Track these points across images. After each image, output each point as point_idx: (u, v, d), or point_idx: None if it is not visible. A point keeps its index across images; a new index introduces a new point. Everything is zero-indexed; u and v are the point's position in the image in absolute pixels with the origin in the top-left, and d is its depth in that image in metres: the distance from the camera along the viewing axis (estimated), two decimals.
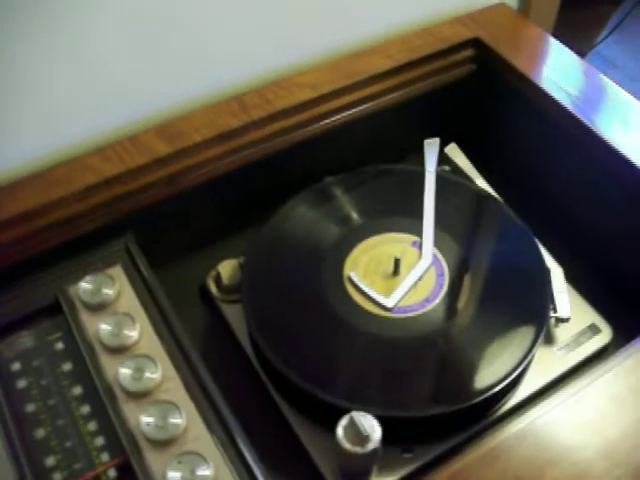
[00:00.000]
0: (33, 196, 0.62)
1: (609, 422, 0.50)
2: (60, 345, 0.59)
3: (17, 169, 0.66)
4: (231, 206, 0.73)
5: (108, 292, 0.60)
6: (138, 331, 0.58)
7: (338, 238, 0.68)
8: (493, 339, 0.60)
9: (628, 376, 0.52)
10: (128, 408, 0.54)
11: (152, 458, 0.51)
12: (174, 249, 0.70)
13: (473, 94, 0.80)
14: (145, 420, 0.53)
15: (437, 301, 0.62)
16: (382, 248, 0.67)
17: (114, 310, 0.59)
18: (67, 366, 0.58)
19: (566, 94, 0.70)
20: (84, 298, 0.60)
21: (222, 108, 0.68)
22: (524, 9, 0.87)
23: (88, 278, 0.61)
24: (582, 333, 0.66)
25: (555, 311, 0.64)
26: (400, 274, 0.64)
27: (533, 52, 0.76)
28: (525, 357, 0.58)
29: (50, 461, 0.53)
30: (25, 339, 0.60)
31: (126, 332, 0.57)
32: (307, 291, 0.64)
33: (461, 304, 0.62)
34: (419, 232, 0.68)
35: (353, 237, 0.68)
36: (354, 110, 0.72)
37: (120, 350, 0.57)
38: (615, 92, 0.71)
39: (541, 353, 0.63)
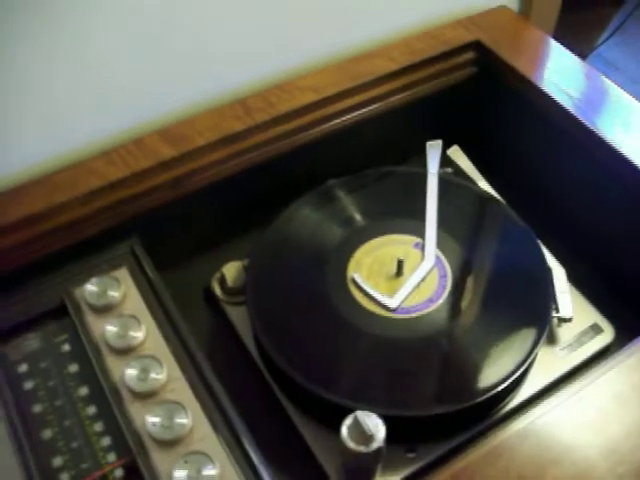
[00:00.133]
0: (38, 200, 0.62)
1: (612, 420, 0.50)
2: (66, 347, 0.60)
3: (20, 173, 0.66)
4: (235, 209, 0.73)
5: (114, 294, 0.60)
6: (144, 332, 0.58)
7: (341, 240, 0.68)
8: (496, 339, 0.60)
9: (631, 374, 0.52)
10: (134, 408, 0.54)
11: (158, 458, 0.52)
12: (179, 252, 0.71)
13: (475, 96, 0.80)
14: (151, 420, 0.53)
15: (440, 302, 0.63)
16: (385, 250, 0.67)
17: (120, 312, 0.60)
18: (73, 367, 0.58)
19: (568, 96, 0.71)
20: (90, 300, 0.60)
21: (226, 112, 0.69)
22: (525, 11, 0.87)
23: (94, 280, 0.61)
24: (584, 333, 0.66)
25: (557, 311, 0.65)
26: (403, 275, 0.65)
27: (534, 54, 0.77)
28: (528, 357, 0.59)
29: (57, 461, 0.53)
30: (32, 341, 0.60)
31: (132, 333, 0.58)
32: (311, 292, 0.64)
33: (464, 305, 0.63)
34: (422, 234, 0.68)
35: (356, 239, 0.68)
36: (356, 113, 0.73)
37: (126, 351, 0.57)
38: (617, 94, 0.72)
39: (544, 353, 0.64)
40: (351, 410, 0.51)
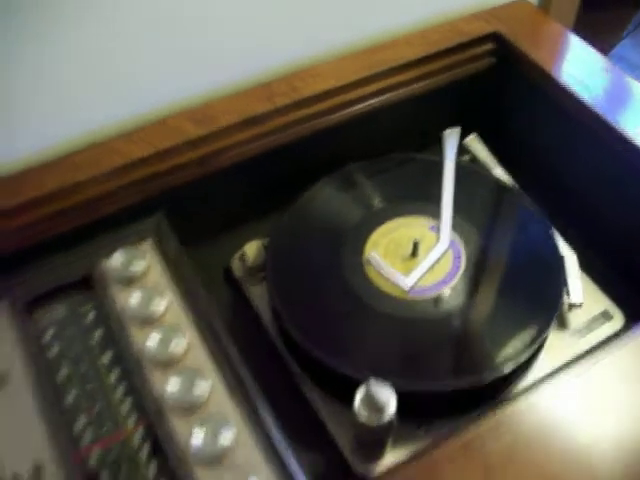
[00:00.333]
0: (65, 175, 0.64)
1: (617, 399, 0.51)
2: (91, 316, 0.62)
3: (45, 151, 0.69)
4: (257, 190, 0.75)
5: (138, 266, 0.62)
6: (166, 303, 0.60)
7: (359, 221, 0.70)
8: (506, 320, 0.62)
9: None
10: (154, 375, 0.56)
11: (176, 422, 0.53)
12: (201, 230, 0.72)
13: (493, 88, 0.82)
14: (170, 386, 0.55)
15: (454, 283, 0.64)
16: (401, 231, 0.69)
17: (143, 283, 0.62)
18: (97, 335, 0.60)
19: (586, 89, 0.72)
20: (115, 272, 0.62)
21: (250, 95, 0.71)
22: (544, 6, 0.88)
23: (119, 253, 0.63)
24: (595, 319, 0.67)
25: (568, 296, 0.66)
26: (418, 256, 0.66)
27: (553, 47, 0.78)
28: (537, 338, 0.60)
29: (80, 423, 0.55)
30: (58, 310, 0.62)
31: (154, 304, 0.60)
32: (328, 271, 0.66)
33: (477, 286, 0.64)
34: (438, 217, 0.70)
35: (374, 220, 0.70)
36: (375, 100, 0.74)
37: (148, 321, 0.59)
38: (636, 88, 0.73)
39: (554, 338, 0.65)
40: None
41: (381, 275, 0.65)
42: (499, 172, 0.78)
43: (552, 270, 0.66)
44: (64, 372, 0.58)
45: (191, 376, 0.55)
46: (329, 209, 0.71)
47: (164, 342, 0.57)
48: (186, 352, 0.57)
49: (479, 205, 0.72)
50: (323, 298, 0.65)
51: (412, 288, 0.64)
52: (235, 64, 0.74)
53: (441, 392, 0.58)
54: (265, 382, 0.57)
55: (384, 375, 0.55)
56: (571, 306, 0.66)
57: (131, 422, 0.55)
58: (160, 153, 0.67)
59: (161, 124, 0.69)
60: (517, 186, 0.76)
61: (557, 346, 0.65)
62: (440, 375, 0.59)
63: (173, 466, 0.52)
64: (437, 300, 0.63)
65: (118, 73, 0.69)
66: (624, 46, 1.17)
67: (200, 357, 0.57)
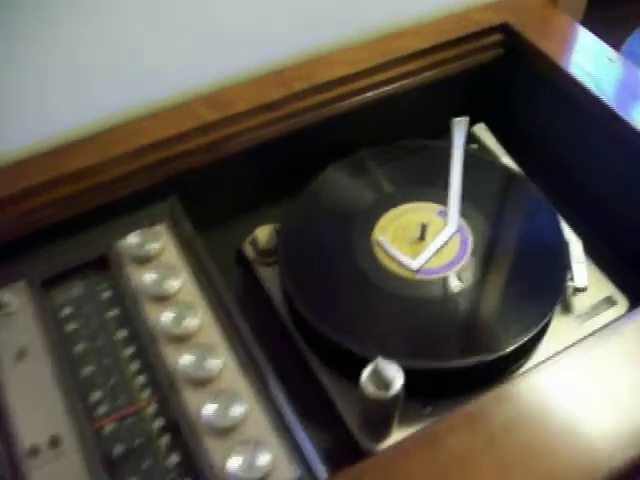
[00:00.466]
0: (89, 154, 0.66)
1: (618, 377, 0.52)
2: (107, 294, 0.64)
3: (61, 135, 0.70)
4: (269, 175, 0.76)
5: (153, 247, 0.64)
6: (180, 282, 0.62)
7: (369, 206, 0.72)
8: (511, 302, 0.64)
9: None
10: (168, 351, 0.58)
11: (189, 396, 0.55)
12: (213, 215, 0.73)
13: (501, 78, 0.83)
14: (183, 362, 0.56)
15: (460, 265, 0.66)
16: (410, 215, 0.70)
17: (157, 263, 0.64)
18: (113, 313, 0.62)
19: (594, 81, 0.72)
20: (130, 251, 0.64)
21: (264, 81, 0.72)
22: None
23: (135, 234, 0.65)
24: (599, 304, 0.68)
25: (573, 281, 0.67)
26: (426, 240, 0.68)
27: (562, 39, 0.79)
28: (541, 320, 0.62)
29: (95, 396, 0.57)
30: (75, 289, 0.64)
31: (168, 282, 0.62)
32: (338, 254, 0.68)
33: (483, 269, 0.66)
34: (446, 203, 0.71)
35: (383, 205, 0.72)
36: (387, 87, 0.75)
37: (162, 299, 0.61)
38: None
39: (558, 322, 0.66)
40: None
41: (390, 257, 0.66)
42: (506, 160, 0.79)
43: (557, 255, 0.67)
44: (80, 347, 0.60)
45: (203, 352, 0.57)
46: (340, 193, 0.73)
47: (178, 319, 0.59)
48: (199, 329, 0.59)
49: (486, 191, 0.73)
50: (333, 279, 0.66)
51: (420, 269, 0.65)
52: (250, 52, 0.75)
53: (446, 371, 0.60)
54: (275, 361, 0.59)
55: (391, 353, 0.57)
56: (575, 290, 0.67)
57: (145, 395, 0.57)
58: (174, 138, 0.68)
59: (175, 109, 0.70)
60: (524, 174, 0.77)
61: (561, 330, 0.66)
62: (445, 354, 0.60)
63: (185, 437, 0.53)
64: (444, 282, 0.65)
65: (134, 60, 0.70)
66: (634, 42, 1.18)
67: (212, 334, 0.59)
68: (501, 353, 0.60)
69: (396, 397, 0.54)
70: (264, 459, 0.51)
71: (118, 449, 0.54)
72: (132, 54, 0.70)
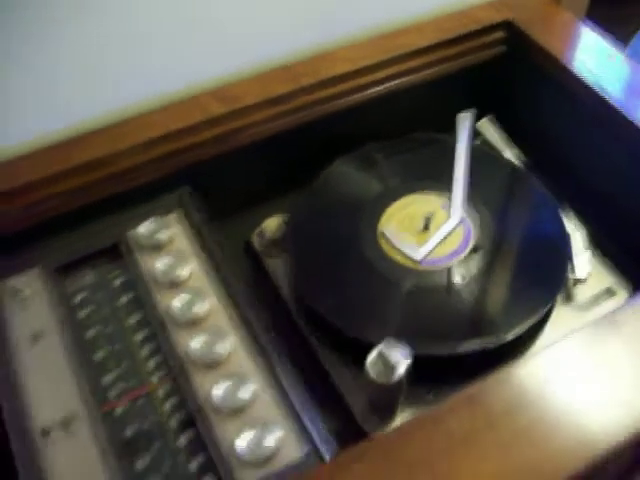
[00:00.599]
0: (101, 146, 0.68)
1: (619, 361, 0.53)
2: (118, 282, 0.65)
3: (74, 127, 0.72)
4: (277, 168, 0.77)
5: (164, 235, 0.66)
6: (189, 269, 0.64)
7: (375, 197, 0.73)
8: (513, 290, 0.65)
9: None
10: (178, 335, 0.59)
11: (198, 379, 0.57)
12: (221, 207, 0.74)
13: (504, 75, 0.84)
14: (194, 345, 0.58)
15: (463, 255, 0.67)
16: (415, 207, 0.72)
17: (169, 250, 0.65)
18: (124, 299, 0.64)
19: (597, 77, 0.73)
20: (141, 240, 0.66)
21: (272, 76, 0.74)
22: None
23: (146, 223, 0.66)
24: (599, 295, 0.70)
25: (573, 272, 0.69)
26: (430, 230, 0.69)
27: (565, 36, 0.79)
28: (542, 307, 0.63)
29: (107, 379, 0.59)
30: (87, 276, 0.66)
31: (178, 270, 0.63)
32: (345, 244, 0.69)
33: (486, 260, 0.67)
34: (450, 195, 0.73)
35: (389, 196, 0.73)
36: (391, 83, 0.77)
37: (173, 285, 0.63)
38: None
39: (559, 312, 0.68)
40: None
41: (395, 247, 0.68)
42: (509, 154, 0.80)
43: (558, 246, 0.69)
44: (93, 332, 0.62)
45: (213, 335, 0.59)
46: (347, 185, 0.75)
47: (188, 304, 0.61)
48: (208, 314, 0.61)
49: (489, 184, 0.75)
50: (339, 269, 0.68)
51: (424, 259, 0.67)
52: (255, 49, 0.77)
53: (449, 357, 0.61)
54: (282, 349, 0.60)
55: (395, 339, 0.58)
56: (576, 281, 0.69)
57: (155, 379, 0.59)
58: (183, 130, 0.70)
59: (185, 103, 0.72)
60: (526, 168, 0.78)
61: (562, 320, 0.67)
62: (448, 340, 0.62)
63: (195, 418, 0.55)
64: (447, 271, 0.66)
65: (150, 54, 0.72)
66: (638, 42, 1.19)
67: (221, 319, 0.61)
68: (503, 340, 0.61)
69: (400, 381, 0.55)
70: (272, 438, 0.53)
71: (129, 430, 0.56)
72: (143, 50, 0.72)
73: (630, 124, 0.70)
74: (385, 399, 0.59)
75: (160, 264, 0.63)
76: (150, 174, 0.70)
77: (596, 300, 0.69)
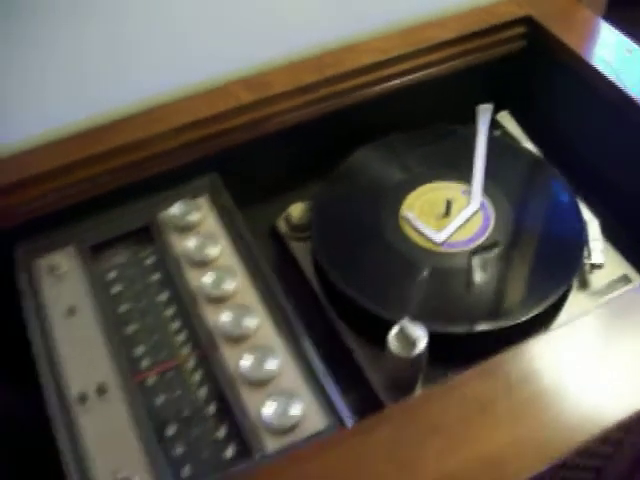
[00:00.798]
0: (133, 131, 0.71)
1: (621, 346, 0.54)
2: (150, 260, 0.68)
3: (107, 114, 0.74)
4: (303, 156, 0.79)
5: (194, 217, 0.68)
6: (219, 249, 0.66)
7: (397, 184, 0.76)
8: (530, 274, 0.67)
9: None
10: (207, 310, 0.62)
11: (226, 352, 0.59)
12: (250, 191, 0.76)
13: (525, 69, 0.86)
14: (222, 320, 0.60)
15: (482, 239, 0.70)
16: (436, 193, 0.74)
17: (199, 231, 0.68)
18: (156, 277, 0.66)
19: (616, 73, 0.75)
20: (173, 221, 0.68)
21: (302, 66, 0.77)
22: None
23: (177, 204, 0.69)
24: (614, 282, 0.71)
25: (589, 258, 0.71)
26: (451, 215, 0.72)
27: (584, 32, 0.81)
28: (558, 290, 0.65)
29: (139, 351, 0.61)
30: (120, 255, 0.69)
31: (208, 249, 0.66)
32: (368, 228, 0.72)
33: (504, 243, 0.69)
34: (470, 183, 0.75)
35: (411, 183, 0.76)
36: (415, 75, 0.79)
37: (202, 263, 0.65)
38: None
39: (575, 297, 0.69)
40: None
41: (416, 230, 0.70)
42: (528, 145, 0.82)
43: (575, 233, 0.70)
44: (125, 307, 0.64)
45: (241, 311, 0.61)
46: (370, 172, 0.77)
47: (217, 281, 0.63)
48: (236, 291, 0.63)
49: (508, 173, 0.77)
50: (362, 251, 0.70)
51: (444, 242, 0.69)
52: (284, 40, 0.79)
53: (466, 335, 0.63)
54: (306, 328, 0.62)
55: (416, 318, 0.60)
56: (592, 267, 0.70)
57: (185, 351, 0.61)
58: (213, 117, 0.72)
59: (215, 91, 0.75)
60: (544, 158, 0.80)
61: (578, 305, 0.69)
62: (465, 320, 0.64)
63: (222, 388, 0.57)
64: (466, 254, 0.68)
65: (179, 46, 0.75)
66: None
67: (249, 296, 0.63)
68: (519, 320, 0.63)
69: (420, 356, 0.57)
70: (297, 408, 0.55)
71: (159, 399, 0.58)
72: (176, 40, 0.75)
73: None
74: (405, 374, 0.61)
75: (191, 243, 0.66)
76: (181, 159, 0.72)
77: (612, 287, 0.71)
